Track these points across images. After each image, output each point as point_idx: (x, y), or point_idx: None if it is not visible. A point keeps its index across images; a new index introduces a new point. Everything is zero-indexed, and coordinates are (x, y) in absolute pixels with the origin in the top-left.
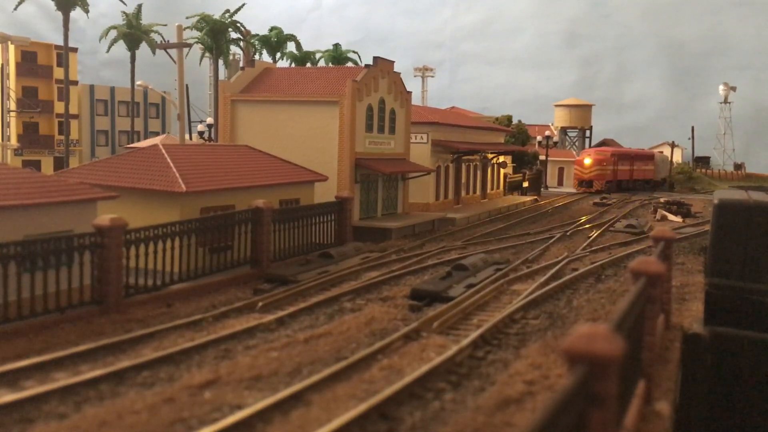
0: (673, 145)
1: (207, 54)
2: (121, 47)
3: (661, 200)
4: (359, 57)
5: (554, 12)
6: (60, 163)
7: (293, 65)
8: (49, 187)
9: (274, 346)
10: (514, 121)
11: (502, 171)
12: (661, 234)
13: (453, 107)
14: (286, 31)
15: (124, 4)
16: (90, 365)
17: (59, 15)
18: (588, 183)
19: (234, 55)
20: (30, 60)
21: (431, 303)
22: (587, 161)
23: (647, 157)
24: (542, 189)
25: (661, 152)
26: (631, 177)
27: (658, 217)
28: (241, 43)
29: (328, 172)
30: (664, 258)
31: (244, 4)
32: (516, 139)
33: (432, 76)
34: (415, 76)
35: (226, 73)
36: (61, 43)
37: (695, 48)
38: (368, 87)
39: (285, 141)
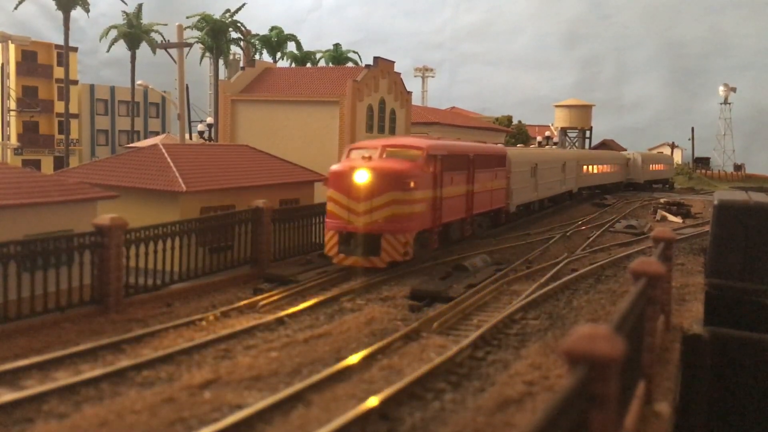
0: (673, 146)
1: (207, 54)
2: (121, 47)
3: (661, 201)
4: (359, 57)
5: (554, 13)
6: (60, 163)
7: (293, 65)
8: (49, 187)
9: (274, 346)
10: (514, 121)
11: None
12: (661, 235)
13: (453, 107)
14: (286, 31)
15: (125, 3)
16: (90, 365)
17: (59, 14)
18: (369, 243)
19: (234, 55)
20: (30, 59)
21: (431, 303)
22: (362, 177)
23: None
24: None
25: (661, 152)
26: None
27: (657, 217)
28: (242, 43)
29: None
30: (665, 259)
31: (244, 4)
32: (516, 139)
33: (432, 77)
34: (415, 77)
35: (226, 73)
36: (61, 42)
37: (695, 49)
38: (368, 87)
39: (285, 141)
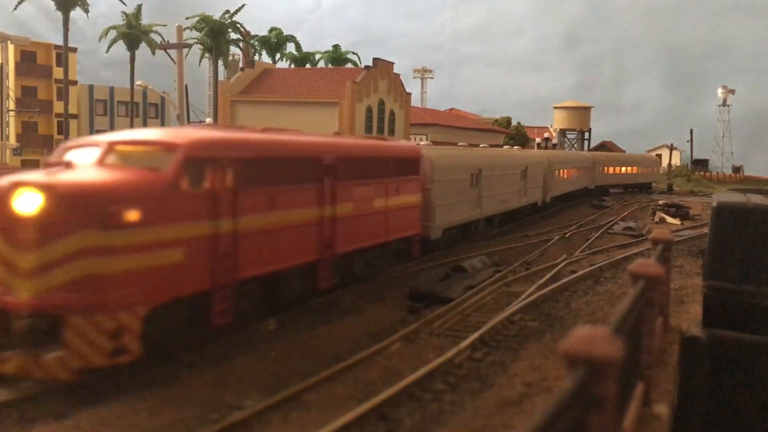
0: (671, 148)
1: (206, 54)
2: (120, 47)
3: (660, 203)
4: (359, 58)
5: (553, 14)
6: None
7: (293, 66)
8: None
9: (274, 347)
10: (513, 122)
11: None
12: (659, 236)
13: (452, 109)
14: (285, 32)
15: (124, 4)
16: None
17: (59, 15)
18: (41, 331)
19: (234, 55)
20: (29, 60)
21: (430, 304)
22: (27, 204)
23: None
24: None
25: (660, 154)
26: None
27: (656, 219)
28: (241, 44)
29: None
30: (663, 260)
31: (243, 5)
32: (515, 140)
33: (431, 78)
34: (414, 78)
35: (225, 73)
36: (60, 43)
37: (694, 51)
38: (368, 88)
39: None
